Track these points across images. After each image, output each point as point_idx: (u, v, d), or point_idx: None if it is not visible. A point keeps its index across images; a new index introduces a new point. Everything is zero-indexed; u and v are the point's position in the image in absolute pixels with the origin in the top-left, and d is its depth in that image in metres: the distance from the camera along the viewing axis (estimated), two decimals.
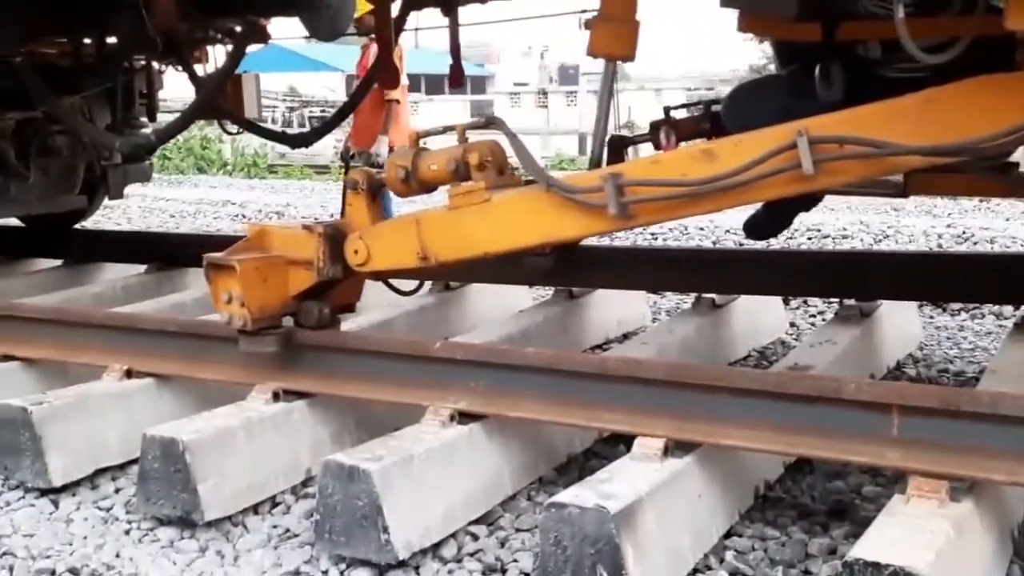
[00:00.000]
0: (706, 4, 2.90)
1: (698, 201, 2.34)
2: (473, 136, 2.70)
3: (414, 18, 5.07)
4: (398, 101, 7.16)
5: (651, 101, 29.31)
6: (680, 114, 3.29)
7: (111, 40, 4.67)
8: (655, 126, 3.20)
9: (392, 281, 3.03)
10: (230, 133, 5.32)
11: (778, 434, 2.27)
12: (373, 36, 6.84)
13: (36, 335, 3.44)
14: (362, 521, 2.25)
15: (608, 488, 2.10)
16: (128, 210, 9.48)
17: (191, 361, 3.11)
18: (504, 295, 4.28)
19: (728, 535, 2.34)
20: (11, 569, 2.31)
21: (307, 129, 5.84)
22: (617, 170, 2.41)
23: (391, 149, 7.76)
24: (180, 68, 4.87)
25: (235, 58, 4.17)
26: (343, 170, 7.39)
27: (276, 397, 2.82)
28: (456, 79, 4.54)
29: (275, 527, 2.51)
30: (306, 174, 18.71)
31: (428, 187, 2.75)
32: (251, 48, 5.28)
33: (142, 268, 4.99)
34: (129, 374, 3.10)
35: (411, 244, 2.68)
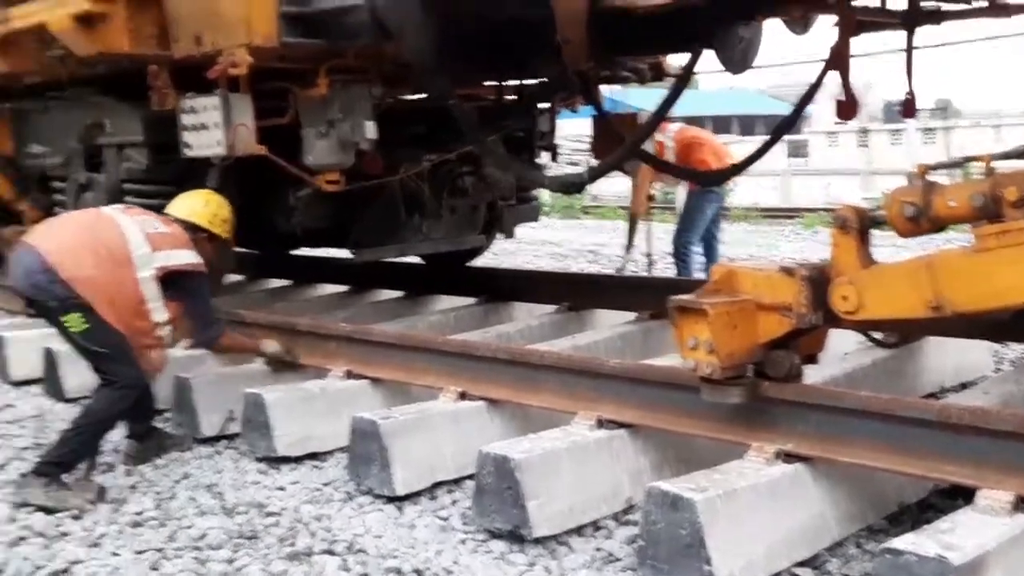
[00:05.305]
0: None
1: None
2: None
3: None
4: (660, 142, 7.06)
5: (988, 139, 27.02)
6: None
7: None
8: None
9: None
10: (626, 172, 5.36)
11: None
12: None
13: (382, 357, 3.79)
14: (685, 550, 2.27)
15: (949, 539, 1.99)
16: None
17: (520, 388, 3.30)
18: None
19: None
20: (364, 564, 2.55)
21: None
22: None
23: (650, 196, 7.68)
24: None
25: (672, 98, 4.12)
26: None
27: (600, 424, 2.92)
28: (909, 110, 4.24)
29: (598, 550, 2.59)
30: (619, 215, 19.05)
31: (941, 225, 2.49)
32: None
33: (472, 300, 5.31)
34: (463, 396, 3.33)
35: (920, 291, 2.40)
